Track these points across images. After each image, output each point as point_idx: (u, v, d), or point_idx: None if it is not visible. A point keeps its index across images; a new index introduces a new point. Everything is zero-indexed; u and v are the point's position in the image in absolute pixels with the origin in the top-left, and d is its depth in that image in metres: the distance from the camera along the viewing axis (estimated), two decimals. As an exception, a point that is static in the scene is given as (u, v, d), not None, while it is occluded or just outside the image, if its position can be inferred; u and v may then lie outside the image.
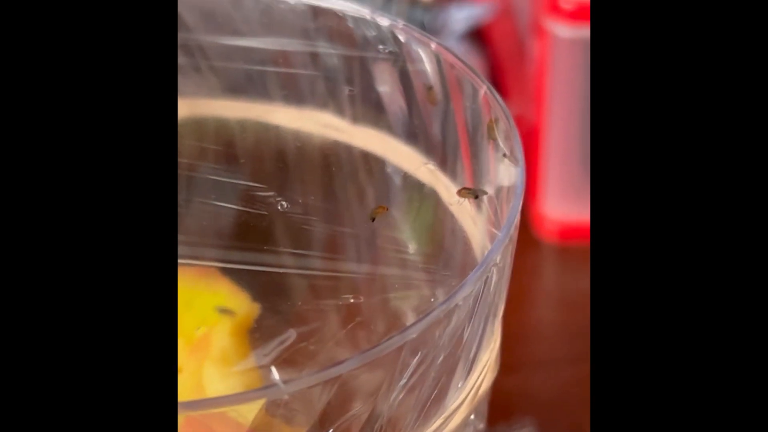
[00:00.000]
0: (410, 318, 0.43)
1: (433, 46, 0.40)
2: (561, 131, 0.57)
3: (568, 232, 0.58)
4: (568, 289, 0.57)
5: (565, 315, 0.56)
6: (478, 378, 0.37)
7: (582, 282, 0.53)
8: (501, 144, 0.37)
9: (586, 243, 0.55)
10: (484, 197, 0.39)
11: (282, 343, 0.37)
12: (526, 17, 0.60)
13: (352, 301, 0.42)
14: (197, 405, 0.31)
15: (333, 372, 0.31)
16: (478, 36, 0.65)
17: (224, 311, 0.41)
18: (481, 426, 0.39)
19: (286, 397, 0.31)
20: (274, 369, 0.31)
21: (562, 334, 0.55)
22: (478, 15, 0.64)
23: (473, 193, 0.38)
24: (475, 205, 0.40)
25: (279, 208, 0.41)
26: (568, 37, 0.55)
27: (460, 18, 0.64)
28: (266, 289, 0.42)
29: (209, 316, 0.41)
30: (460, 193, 0.39)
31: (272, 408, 0.33)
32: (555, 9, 0.55)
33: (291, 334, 0.37)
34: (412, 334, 0.32)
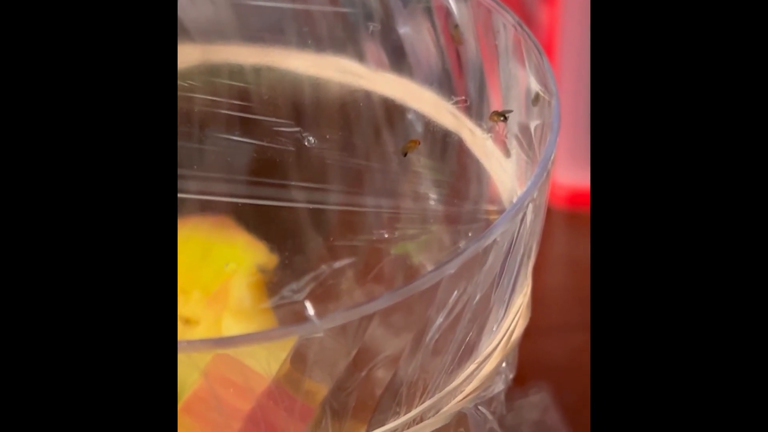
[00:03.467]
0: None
1: (459, -18, 0.38)
2: (569, 97, 0.56)
3: (577, 198, 0.57)
4: (577, 255, 0.57)
5: (574, 281, 0.55)
6: (511, 323, 0.36)
7: (591, 248, 0.53)
8: (533, 80, 0.36)
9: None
10: (514, 142, 0.37)
11: (315, 278, 0.35)
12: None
13: (363, 243, 0.40)
14: (227, 342, 0.30)
15: (370, 307, 0.30)
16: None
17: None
18: (511, 376, 0.38)
19: (320, 333, 0.29)
20: (308, 303, 0.30)
21: (572, 300, 0.55)
22: (482, -20, 0.63)
23: (501, 115, 0.36)
24: (505, 151, 0.38)
25: (306, 144, 0.39)
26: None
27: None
28: (283, 239, 0.40)
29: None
30: (490, 117, 0.37)
31: (297, 360, 0.31)
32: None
33: (324, 270, 0.35)
34: (450, 269, 0.31)
